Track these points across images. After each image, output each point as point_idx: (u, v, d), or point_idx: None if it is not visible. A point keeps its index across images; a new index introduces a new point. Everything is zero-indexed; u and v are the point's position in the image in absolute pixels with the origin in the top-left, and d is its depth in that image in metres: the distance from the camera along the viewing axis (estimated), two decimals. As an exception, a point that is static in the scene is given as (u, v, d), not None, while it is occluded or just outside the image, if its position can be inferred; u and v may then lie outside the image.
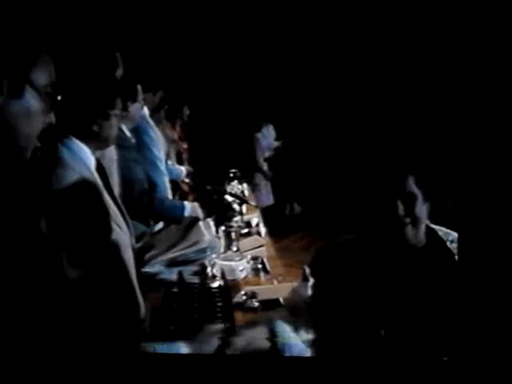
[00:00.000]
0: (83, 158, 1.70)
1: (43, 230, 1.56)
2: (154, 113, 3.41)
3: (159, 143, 3.34)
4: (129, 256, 1.83)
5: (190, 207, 2.57)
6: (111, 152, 2.23)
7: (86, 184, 1.66)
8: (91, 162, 1.74)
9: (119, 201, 1.87)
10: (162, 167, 3.29)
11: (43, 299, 1.54)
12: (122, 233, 1.79)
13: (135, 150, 2.72)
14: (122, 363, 1.42)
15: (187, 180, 4.13)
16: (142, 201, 2.51)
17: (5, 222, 1.24)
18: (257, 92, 6.12)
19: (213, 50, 5.73)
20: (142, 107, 2.92)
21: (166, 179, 3.38)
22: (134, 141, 2.75)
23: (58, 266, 1.59)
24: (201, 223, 2.50)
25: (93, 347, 1.59)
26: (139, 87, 2.78)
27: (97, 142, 1.76)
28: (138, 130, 2.99)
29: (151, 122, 3.30)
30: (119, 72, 2.73)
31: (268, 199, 6.15)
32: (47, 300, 1.57)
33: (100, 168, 1.79)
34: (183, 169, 4.04)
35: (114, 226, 1.74)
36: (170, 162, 3.58)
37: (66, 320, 1.60)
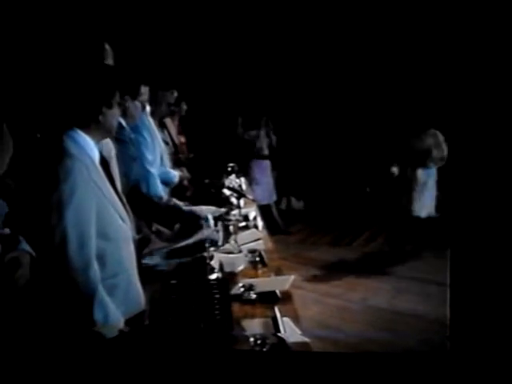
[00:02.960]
0: (87, 150, 1.75)
1: (52, 219, 1.61)
2: (155, 110, 3.36)
3: (154, 143, 3.24)
4: (130, 248, 1.86)
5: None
6: (109, 146, 2.23)
7: (91, 175, 1.71)
8: (95, 154, 1.78)
9: (121, 194, 1.90)
10: (149, 166, 3.13)
11: (46, 285, 1.58)
12: (125, 225, 1.83)
13: (133, 147, 2.71)
14: (123, 351, 1.45)
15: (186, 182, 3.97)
16: (133, 199, 2.46)
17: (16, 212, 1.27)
18: (256, 87, 6.11)
19: (211, 45, 5.73)
20: (144, 107, 2.88)
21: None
22: (132, 136, 2.74)
23: (62, 256, 1.63)
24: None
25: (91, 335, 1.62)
26: (143, 88, 2.76)
27: (101, 131, 1.80)
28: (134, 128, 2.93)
29: (152, 121, 3.25)
30: (110, 62, 2.73)
31: (270, 197, 6.01)
32: (49, 287, 1.60)
33: (103, 161, 1.83)
34: (176, 174, 3.83)
35: (117, 218, 1.78)
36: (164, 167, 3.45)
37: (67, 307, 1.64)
